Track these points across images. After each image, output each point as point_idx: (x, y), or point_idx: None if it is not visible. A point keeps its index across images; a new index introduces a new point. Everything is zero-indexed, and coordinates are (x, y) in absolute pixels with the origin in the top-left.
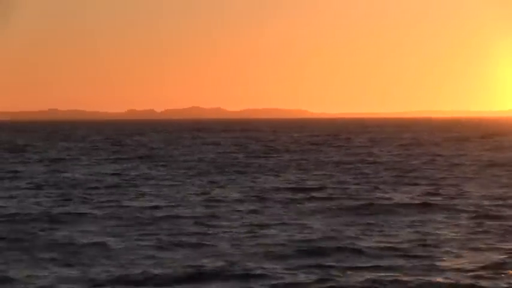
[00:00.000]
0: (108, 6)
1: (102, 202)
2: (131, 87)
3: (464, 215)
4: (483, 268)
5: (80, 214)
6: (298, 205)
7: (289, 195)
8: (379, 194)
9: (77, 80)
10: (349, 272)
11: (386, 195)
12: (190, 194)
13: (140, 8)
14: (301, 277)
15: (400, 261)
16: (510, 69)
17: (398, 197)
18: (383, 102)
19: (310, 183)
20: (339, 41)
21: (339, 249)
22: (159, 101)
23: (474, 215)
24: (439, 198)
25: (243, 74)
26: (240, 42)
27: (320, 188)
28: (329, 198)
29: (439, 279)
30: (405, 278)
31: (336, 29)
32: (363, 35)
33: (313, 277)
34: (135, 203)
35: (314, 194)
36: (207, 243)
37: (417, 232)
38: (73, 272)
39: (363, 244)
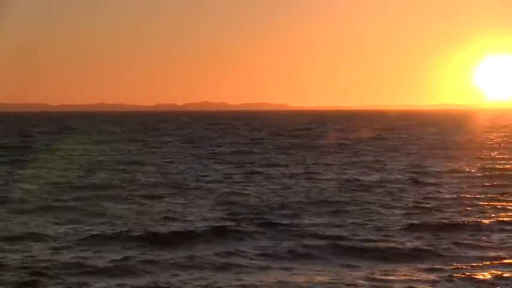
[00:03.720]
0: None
1: None
2: (158, 85)
3: None
4: None
5: None
6: None
7: None
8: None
9: (119, 79)
10: None
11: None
12: None
13: (168, 19)
14: None
15: None
16: (440, 70)
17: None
18: (344, 97)
19: None
20: (314, 47)
21: None
22: (179, 97)
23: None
24: None
25: (242, 75)
26: (240, 49)
27: None
28: None
29: None
30: None
31: (310, 37)
32: (330, 41)
33: None
34: None
35: None
36: None
37: None
38: None
39: None
